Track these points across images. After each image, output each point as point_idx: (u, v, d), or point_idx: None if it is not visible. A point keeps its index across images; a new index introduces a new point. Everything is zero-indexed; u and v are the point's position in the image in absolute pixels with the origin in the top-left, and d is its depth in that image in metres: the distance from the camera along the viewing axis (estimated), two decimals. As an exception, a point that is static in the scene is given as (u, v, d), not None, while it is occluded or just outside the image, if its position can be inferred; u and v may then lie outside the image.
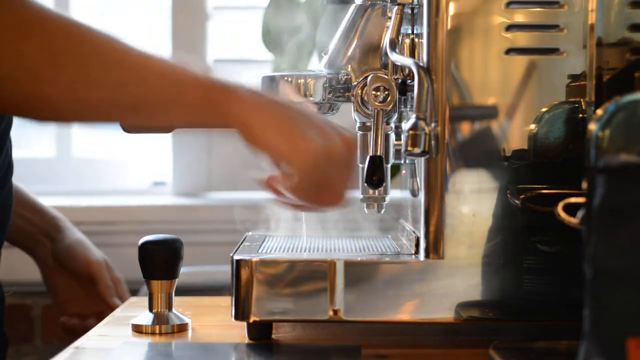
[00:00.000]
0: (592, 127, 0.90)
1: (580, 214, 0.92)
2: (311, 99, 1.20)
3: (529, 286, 1.12)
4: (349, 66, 1.22)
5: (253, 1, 2.06)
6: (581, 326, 0.85)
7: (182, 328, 1.22)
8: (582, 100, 1.11)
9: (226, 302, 1.21)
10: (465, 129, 1.13)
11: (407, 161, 1.26)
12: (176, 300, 1.24)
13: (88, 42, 0.99)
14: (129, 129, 1.09)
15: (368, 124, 1.21)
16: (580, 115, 1.12)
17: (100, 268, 1.63)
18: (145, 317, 1.22)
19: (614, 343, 0.83)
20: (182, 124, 1.07)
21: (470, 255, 1.12)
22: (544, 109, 1.12)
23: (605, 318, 0.83)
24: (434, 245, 1.12)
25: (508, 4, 1.11)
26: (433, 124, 1.09)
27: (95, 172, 2.15)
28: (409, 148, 1.03)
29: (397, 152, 1.23)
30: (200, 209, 1.99)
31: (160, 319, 1.22)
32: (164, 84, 1.02)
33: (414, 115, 1.04)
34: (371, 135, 1.16)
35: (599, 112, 0.90)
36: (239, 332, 1.18)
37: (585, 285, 0.85)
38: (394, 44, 1.18)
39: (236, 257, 1.14)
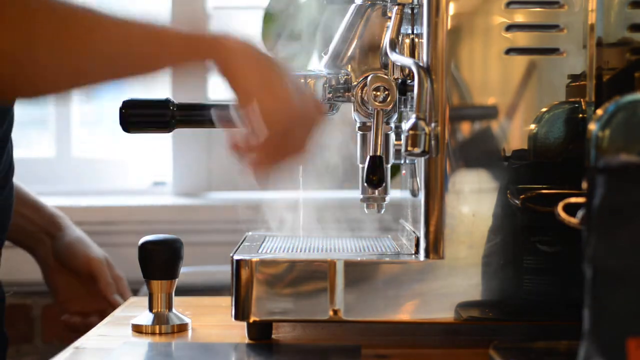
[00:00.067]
0: (592, 127, 0.90)
1: (580, 214, 0.92)
2: (311, 99, 1.19)
3: (529, 286, 1.12)
4: (349, 66, 1.22)
5: (253, 1, 2.06)
6: (581, 326, 0.85)
7: (182, 328, 1.22)
8: (582, 100, 1.11)
9: (226, 302, 1.21)
10: (465, 129, 1.13)
11: (407, 161, 1.26)
12: (176, 300, 1.24)
13: (65, 8, 0.99)
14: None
15: (368, 124, 1.21)
16: (580, 115, 1.12)
17: (101, 265, 1.63)
18: (145, 317, 1.22)
19: (614, 343, 0.83)
20: (163, 72, 1.07)
21: (470, 255, 1.12)
22: (544, 109, 1.12)
23: (605, 318, 0.83)
24: (434, 245, 1.12)
25: (508, 4, 1.11)
26: (433, 124, 1.09)
27: (95, 172, 2.15)
28: (409, 148, 1.03)
29: (397, 152, 1.23)
30: (200, 209, 1.99)
31: (160, 319, 1.22)
32: (146, 40, 1.02)
33: (414, 115, 1.04)
34: (371, 135, 1.16)
35: (599, 112, 0.90)
36: (239, 332, 1.18)
37: (585, 285, 0.85)
38: (394, 44, 1.18)
39: (236, 257, 1.14)
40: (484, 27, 1.12)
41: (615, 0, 1.11)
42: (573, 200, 0.94)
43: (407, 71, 1.19)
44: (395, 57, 1.17)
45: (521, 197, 1.12)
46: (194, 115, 1.23)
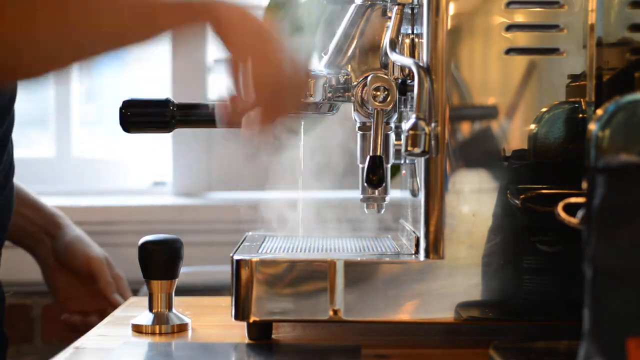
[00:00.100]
0: (592, 127, 0.90)
1: (580, 214, 0.92)
2: (311, 99, 1.20)
3: (529, 286, 1.12)
4: (349, 66, 1.22)
5: (253, 1, 2.06)
6: (581, 326, 0.85)
7: (182, 328, 1.22)
8: (582, 100, 1.11)
9: (226, 302, 1.21)
10: (465, 129, 1.13)
11: (407, 161, 1.26)
12: (176, 300, 1.24)
13: None
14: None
15: (368, 124, 1.21)
16: (580, 115, 1.12)
17: (101, 265, 1.63)
18: (145, 317, 1.22)
19: (614, 343, 0.83)
20: (162, 38, 1.08)
21: (470, 255, 1.12)
22: (544, 109, 1.12)
23: (605, 318, 0.83)
24: (434, 245, 1.12)
25: (508, 4, 1.11)
26: (433, 124, 1.09)
27: (95, 172, 2.15)
28: (409, 148, 1.03)
29: (397, 152, 1.23)
30: (200, 209, 1.99)
31: (160, 319, 1.22)
32: (143, 7, 1.03)
33: (414, 115, 1.04)
34: (371, 135, 1.16)
35: (599, 112, 0.90)
36: (239, 332, 1.18)
37: (585, 285, 0.85)
38: (394, 44, 1.18)
39: (236, 257, 1.14)
40: (484, 27, 1.12)
41: (615, 0, 1.11)
42: (573, 200, 0.94)
43: (407, 71, 1.19)
44: (395, 57, 1.17)
45: (521, 197, 1.12)
46: (194, 115, 1.23)
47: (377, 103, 1.16)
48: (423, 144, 1.03)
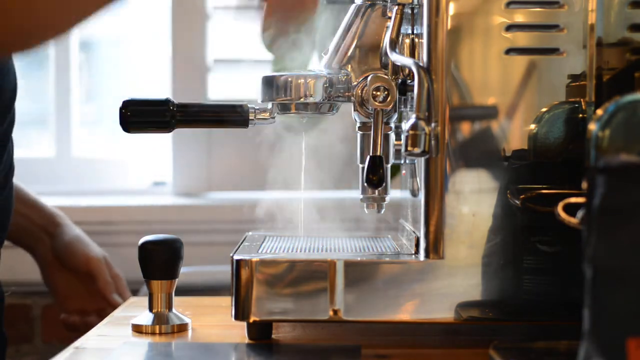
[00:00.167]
0: (592, 127, 0.90)
1: (580, 214, 0.92)
2: (311, 99, 1.20)
3: (529, 286, 1.12)
4: (349, 66, 1.22)
5: (253, 1, 2.06)
6: (581, 326, 0.85)
7: (182, 328, 1.22)
8: (582, 100, 1.11)
9: (226, 302, 1.21)
10: (465, 129, 1.13)
11: (407, 161, 1.26)
12: (176, 300, 1.24)
13: None
14: None
15: (368, 124, 1.21)
16: (580, 115, 1.12)
17: (100, 264, 1.63)
18: (145, 317, 1.22)
19: (614, 343, 0.83)
20: None
21: (470, 255, 1.12)
22: (544, 109, 1.12)
23: (605, 318, 0.83)
24: (434, 245, 1.12)
25: (508, 4, 1.11)
26: (433, 124, 1.09)
27: (95, 172, 2.16)
28: (409, 148, 1.03)
29: (397, 152, 1.23)
30: (200, 209, 1.99)
31: (160, 319, 1.22)
32: None
33: (414, 115, 1.04)
34: (371, 135, 1.16)
35: (599, 112, 0.90)
36: (239, 332, 1.18)
37: (585, 285, 0.85)
38: (394, 44, 1.18)
39: (236, 257, 1.14)
40: (484, 27, 1.12)
41: (615, 0, 1.11)
42: (573, 200, 0.94)
43: (407, 71, 1.19)
44: (395, 57, 1.17)
45: (521, 197, 1.12)
46: (194, 115, 1.23)
47: (377, 103, 1.16)
48: (423, 144, 1.03)
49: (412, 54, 1.20)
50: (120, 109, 1.21)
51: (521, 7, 1.12)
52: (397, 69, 1.20)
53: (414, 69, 1.08)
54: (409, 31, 1.20)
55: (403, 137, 1.04)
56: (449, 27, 1.11)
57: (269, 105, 1.23)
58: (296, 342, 1.17)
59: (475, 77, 1.12)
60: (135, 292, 1.71)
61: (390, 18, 1.20)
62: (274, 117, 1.24)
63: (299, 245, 1.27)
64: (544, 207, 1.10)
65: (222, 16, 2.12)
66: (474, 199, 1.12)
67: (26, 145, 2.21)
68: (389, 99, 1.16)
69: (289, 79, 1.20)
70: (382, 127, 1.15)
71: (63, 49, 2.11)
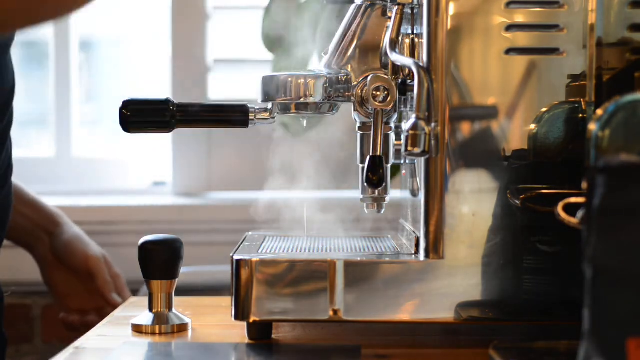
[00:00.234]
0: (592, 127, 0.90)
1: (580, 214, 0.92)
2: (311, 99, 1.20)
3: (529, 286, 1.12)
4: (349, 66, 1.22)
5: (253, 1, 2.06)
6: (581, 326, 0.85)
7: (182, 328, 1.22)
8: (582, 100, 1.11)
9: (226, 302, 1.21)
10: (465, 129, 1.13)
11: (407, 161, 1.26)
12: (176, 300, 1.24)
13: None
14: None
15: (368, 124, 1.21)
16: (580, 115, 1.12)
17: (99, 263, 1.63)
18: (145, 317, 1.22)
19: (614, 343, 0.83)
20: None
21: (470, 255, 1.12)
22: (544, 109, 1.12)
23: (605, 318, 0.83)
24: (434, 245, 1.12)
25: (508, 4, 1.11)
26: (433, 124, 1.09)
27: (95, 172, 2.15)
28: (409, 148, 1.03)
29: (397, 152, 1.23)
30: (200, 209, 1.99)
31: (160, 319, 1.22)
32: None
33: (414, 115, 1.04)
34: (371, 135, 1.16)
35: (599, 112, 0.90)
36: (239, 332, 1.18)
37: (585, 285, 0.85)
38: (394, 44, 1.18)
39: (236, 257, 1.14)
40: (484, 27, 1.12)
41: (615, 0, 1.11)
42: (573, 200, 0.94)
43: (407, 71, 1.19)
44: (395, 57, 1.17)
45: (521, 197, 1.12)
46: (194, 115, 1.23)
47: (377, 103, 1.16)
48: (423, 144, 1.03)
49: (412, 54, 1.20)
50: (120, 109, 1.21)
51: (521, 7, 1.12)
52: (397, 69, 1.20)
53: (414, 69, 1.08)
54: (409, 31, 1.20)
55: (403, 137, 1.04)
56: (449, 27, 1.11)
57: (269, 105, 1.23)
58: (296, 342, 1.17)
59: (475, 77, 1.12)
60: (135, 292, 1.71)
61: (390, 18, 1.20)
62: (274, 117, 1.24)
63: (299, 245, 1.27)
64: (544, 207, 1.10)
65: (222, 16, 2.12)
66: (474, 199, 1.12)
67: (26, 145, 2.21)
68: (389, 99, 1.16)
69: (289, 79, 1.20)
70: (382, 127, 1.15)
71: (63, 49, 2.11)
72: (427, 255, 1.13)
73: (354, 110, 1.21)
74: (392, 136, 1.22)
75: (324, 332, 1.21)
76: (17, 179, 1.54)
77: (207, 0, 2.08)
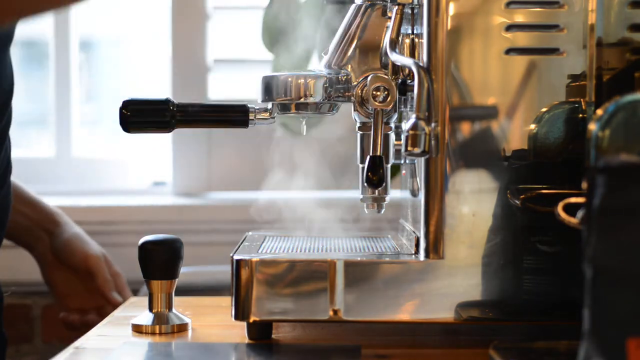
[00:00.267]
0: (592, 127, 0.90)
1: (580, 214, 0.91)
2: (311, 99, 1.20)
3: (529, 286, 1.12)
4: (349, 66, 1.22)
5: (253, 1, 2.06)
6: (581, 326, 0.85)
7: (182, 328, 1.22)
8: (582, 100, 1.11)
9: (226, 302, 1.21)
10: (465, 129, 1.13)
11: (407, 161, 1.26)
12: (176, 300, 1.24)
13: None
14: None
15: (368, 124, 1.21)
16: (580, 115, 1.12)
17: (99, 262, 1.62)
18: (145, 317, 1.22)
19: (614, 343, 0.83)
20: None
21: (470, 255, 1.12)
22: (544, 109, 1.12)
23: (605, 318, 0.83)
24: (434, 245, 1.12)
25: (508, 4, 1.11)
26: (433, 124, 1.09)
27: (95, 172, 2.15)
28: (409, 148, 1.03)
29: (397, 152, 1.23)
30: (200, 209, 1.99)
31: (160, 319, 1.22)
32: None
33: (414, 115, 1.04)
34: (371, 135, 1.16)
35: (599, 112, 0.90)
36: (239, 332, 1.18)
37: (585, 285, 0.85)
38: (394, 44, 1.18)
39: (236, 257, 1.14)
40: (484, 27, 1.12)
41: (615, 0, 1.11)
42: (573, 200, 0.94)
43: (407, 71, 1.19)
44: (395, 57, 1.17)
45: (521, 197, 1.12)
46: (194, 115, 1.23)
47: (377, 103, 1.16)
48: (423, 144, 1.03)
49: (412, 54, 1.20)
50: (120, 109, 1.21)
51: (521, 7, 1.12)
52: (397, 69, 1.20)
53: (414, 69, 1.08)
54: (409, 31, 1.20)
55: (403, 137, 1.04)
56: (449, 27, 1.11)
57: (269, 105, 1.23)
58: (296, 342, 1.17)
59: (475, 77, 1.12)
60: (135, 292, 1.71)
61: (390, 18, 1.20)
62: (274, 117, 1.24)
63: (299, 245, 1.27)
64: (544, 207, 1.10)
65: (222, 16, 2.12)
66: (474, 199, 1.12)
67: (26, 145, 2.21)
68: (389, 99, 1.16)
69: (289, 79, 1.20)
70: (382, 127, 1.15)
71: (63, 49, 2.11)
72: (427, 255, 1.13)
73: (354, 110, 1.21)
74: (392, 136, 1.22)
75: (324, 332, 1.21)
76: (17, 179, 1.53)
77: (207, 0, 2.08)
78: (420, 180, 1.15)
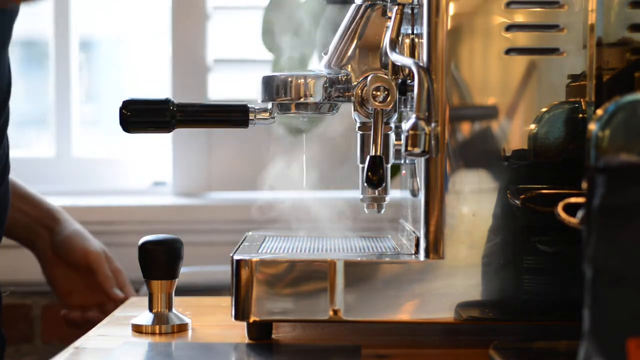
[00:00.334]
0: (592, 127, 0.90)
1: (580, 214, 0.91)
2: (311, 99, 1.20)
3: (529, 286, 1.12)
4: (349, 66, 1.22)
5: (253, 1, 2.06)
6: (581, 326, 0.85)
7: (182, 328, 1.22)
8: (582, 100, 1.11)
9: (226, 302, 1.21)
10: (465, 129, 1.13)
11: (407, 161, 1.26)
12: (176, 300, 1.24)
13: None
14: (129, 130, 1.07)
15: (368, 124, 1.21)
16: (580, 115, 1.12)
17: (99, 258, 1.62)
18: (145, 317, 1.22)
19: (614, 343, 0.83)
20: None
21: (470, 255, 1.12)
22: (544, 109, 1.12)
23: (605, 318, 0.83)
24: (434, 245, 1.12)
25: (508, 4, 1.11)
26: (433, 124, 1.09)
27: (95, 172, 2.15)
28: (409, 148, 1.03)
29: (397, 152, 1.23)
30: (200, 209, 1.99)
31: (160, 319, 1.22)
32: None
33: (414, 115, 1.04)
34: (371, 135, 1.16)
35: (599, 112, 0.90)
36: (239, 332, 1.18)
37: (585, 285, 0.85)
38: (394, 44, 1.18)
39: (236, 257, 1.14)
40: (484, 27, 1.12)
41: (615, 0, 1.11)
42: (573, 200, 0.95)
43: (407, 71, 1.19)
44: (395, 57, 1.17)
45: (521, 197, 1.12)
46: (194, 115, 1.23)
47: (377, 103, 1.16)
48: (423, 144, 1.03)
49: (412, 54, 1.20)
50: (120, 109, 1.21)
51: (521, 7, 1.12)
52: (397, 69, 1.20)
53: (414, 69, 1.08)
54: (409, 31, 1.20)
55: (403, 137, 1.04)
56: (449, 27, 1.11)
57: (269, 105, 1.23)
58: (296, 342, 1.17)
59: (475, 77, 1.12)
60: (135, 292, 1.71)
61: (390, 18, 1.20)
62: (274, 117, 1.24)
63: (299, 245, 1.27)
64: (544, 207, 1.10)
65: (222, 16, 2.12)
66: (474, 199, 1.12)
67: (26, 145, 2.21)
68: (389, 99, 1.16)
69: (289, 79, 1.20)
70: (382, 127, 1.15)
71: (63, 49, 2.11)
72: (427, 255, 1.13)
73: (354, 110, 1.21)
74: (392, 136, 1.22)
75: (324, 332, 1.21)
76: (17, 179, 1.53)
77: (207, 0, 2.08)
78: (420, 180, 1.15)
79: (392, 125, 1.22)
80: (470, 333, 1.19)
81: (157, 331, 1.21)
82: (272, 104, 1.23)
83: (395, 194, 1.27)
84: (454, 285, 1.12)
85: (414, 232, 1.19)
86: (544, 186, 1.12)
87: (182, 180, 2.10)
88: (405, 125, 1.04)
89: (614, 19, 1.11)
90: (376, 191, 1.22)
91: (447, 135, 1.12)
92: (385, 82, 1.16)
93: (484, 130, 1.12)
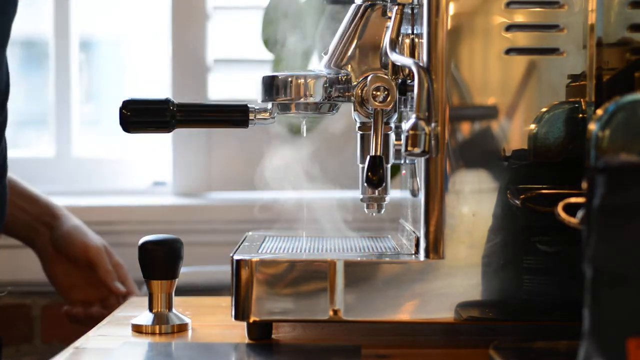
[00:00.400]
0: (592, 127, 0.90)
1: (580, 214, 0.91)
2: (311, 99, 1.20)
3: (529, 286, 1.12)
4: (349, 66, 1.22)
5: (253, 1, 2.06)
6: (581, 326, 0.85)
7: (182, 328, 1.22)
8: (582, 100, 1.11)
9: (226, 302, 1.21)
10: (465, 129, 1.13)
11: (407, 161, 1.26)
12: (176, 300, 1.24)
13: None
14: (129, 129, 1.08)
15: (368, 124, 1.21)
16: (580, 115, 1.12)
17: (99, 253, 1.62)
18: (145, 317, 1.22)
19: (614, 343, 0.83)
20: None
21: (470, 255, 1.12)
22: (544, 109, 1.12)
23: (605, 318, 0.83)
24: (434, 245, 1.12)
25: (508, 4, 1.11)
26: (433, 124, 1.09)
27: (95, 172, 2.15)
28: (409, 148, 1.03)
29: (397, 152, 1.23)
30: (200, 209, 1.99)
31: (160, 319, 1.22)
32: None
33: (414, 115, 1.04)
34: (371, 135, 1.16)
35: (599, 112, 0.90)
36: (239, 332, 1.18)
37: (585, 285, 0.85)
38: (394, 44, 1.18)
39: (236, 257, 1.14)
40: (484, 27, 1.12)
41: (615, 0, 1.11)
42: (573, 200, 0.95)
43: (407, 71, 1.19)
44: (395, 57, 1.17)
45: (521, 197, 1.12)
46: (194, 115, 1.23)
47: (377, 103, 1.16)
48: (423, 144, 1.03)
49: (412, 54, 1.20)
50: (120, 109, 1.21)
51: (521, 7, 1.12)
52: (397, 69, 1.20)
53: (414, 69, 1.08)
54: (409, 31, 1.20)
55: (403, 137, 1.04)
56: (449, 27, 1.11)
57: (269, 105, 1.23)
58: (296, 342, 1.17)
59: (475, 77, 1.12)
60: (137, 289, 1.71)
61: (390, 18, 1.20)
62: (274, 117, 1.24)
63: (299, 245, 1.27)
64: (544, 207, 1.10)
65: (222, 16, 2.12)
66: (474, 199, 1.12)
67: (26, 145, 2.21)
68: (389, 99, 1.16)
69: (289, 79, 1.20)
70: (382, 127, 1.15)
71: (63, 49, 2.11)
72: (427, 255, 1.13)
73: (354, 110, 1.21)
74: (392, 136, 1.22)
75: (324, 332, 1.21)
76: (15, 176, 1.53)
77: (207, 0, 2.08)
78: (420, 180, 1.15)
79: (392, 125, 1.22)
80: (470, 333, 1.19)
81: (157, 331, 1.21)
82: (272, 104, 1.23)
83: (395, 194, 1.27)
84: (454, 285, 1.12)
85: (414, 232, 1.19)
86: (544, 186, 1.12)
87: (182, 180, 2.10)
88: (405, 125, 1.04)
89: (614, 19, 1.11)
90: (376, 191, 1.22)
91: (447, 135, 1.12)
92: (385, 82, 1.16)
93: (484, 130, 1.12)
